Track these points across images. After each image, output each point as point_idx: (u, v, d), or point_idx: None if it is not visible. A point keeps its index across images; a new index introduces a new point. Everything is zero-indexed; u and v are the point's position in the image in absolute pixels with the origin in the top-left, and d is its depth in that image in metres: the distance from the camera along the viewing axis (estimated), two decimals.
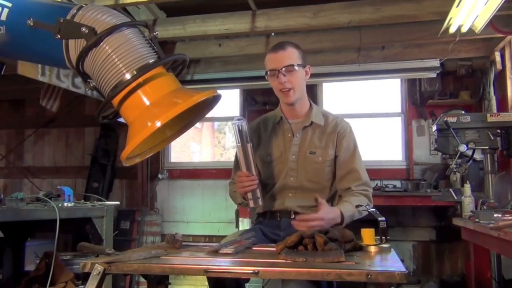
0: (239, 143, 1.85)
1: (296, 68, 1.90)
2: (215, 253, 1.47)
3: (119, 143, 5.00)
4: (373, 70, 4.42)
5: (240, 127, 1.84)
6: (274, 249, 1.45)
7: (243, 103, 5.09)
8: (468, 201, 2.58)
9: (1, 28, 1.30)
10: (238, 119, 1.85)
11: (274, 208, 2.01)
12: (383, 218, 1.55)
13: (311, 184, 1.97)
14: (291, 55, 1.91)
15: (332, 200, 2.03)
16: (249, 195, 1.86)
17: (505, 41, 3.77)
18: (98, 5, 1.31)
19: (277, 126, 2.05)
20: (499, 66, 3.93)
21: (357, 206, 1.80)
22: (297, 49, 1.95)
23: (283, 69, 1.88)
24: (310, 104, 2.05)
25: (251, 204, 1.88)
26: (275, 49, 1.94)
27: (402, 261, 1.39)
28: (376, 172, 4.57)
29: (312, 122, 2.00)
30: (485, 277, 2.85)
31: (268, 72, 1.94)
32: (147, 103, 1.19)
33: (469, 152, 2.71)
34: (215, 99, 1.33)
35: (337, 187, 2.00)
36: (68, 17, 1.24)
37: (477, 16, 2.83)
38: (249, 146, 1.85)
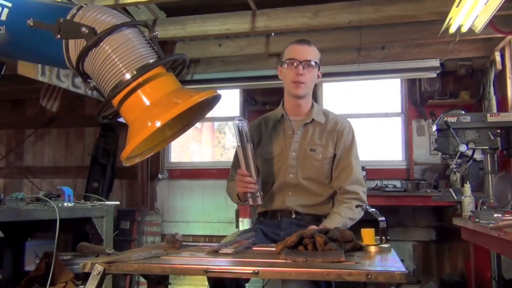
0: (239, 143, 1.85)
1: (314, 65, 1.96)
2: (215, 253, 1.47)
3: (119, 143, 4.99)
4: (373, 70, 4.42)
5: (241, 128, 1.84)
6: (274, 249, 1.45)
7: (243, 103, 5.09)
8: (468, 201, 2.58)
9: (1, 28, 1.30)
10: (239, 120, 1.85)
11: (274, 207, 2.01)
12: (383, 218, 1.55)
13: (310, 181, 1.97)
14: (314, 53, 1.99)
15: (332, 198, 2.03)
16: (248, 194, 1.88)
17: (505, 41, 3.77)
18: (98, 5, 1.31)
19: (278, 124, 2.08)
20: (499, 66, 3.93)
21: (357, 206, 1.82)
22: (319, 52, 2.03)
23: (304, 62, 1.94)
24: (312, 103, 2.08)
25: (250, 202, 1.89)
26: (301, 42, 2.01)
27: (402, 261, 1.38)
28: (376, 172, 4.58)
29: (313, 120, 2.03)
30: (485, 277, 2.85)
31: (287, 61, 1.97)
32: (147, 103, 1.19)
33: (469, 152, 2.71)
34: (215, 99, 1.33)
35: (332, 185, 2.00)
36: (68, 17, 1.24)
37: (477, 16, 2.83)
38: (249, 146, 1.85)
